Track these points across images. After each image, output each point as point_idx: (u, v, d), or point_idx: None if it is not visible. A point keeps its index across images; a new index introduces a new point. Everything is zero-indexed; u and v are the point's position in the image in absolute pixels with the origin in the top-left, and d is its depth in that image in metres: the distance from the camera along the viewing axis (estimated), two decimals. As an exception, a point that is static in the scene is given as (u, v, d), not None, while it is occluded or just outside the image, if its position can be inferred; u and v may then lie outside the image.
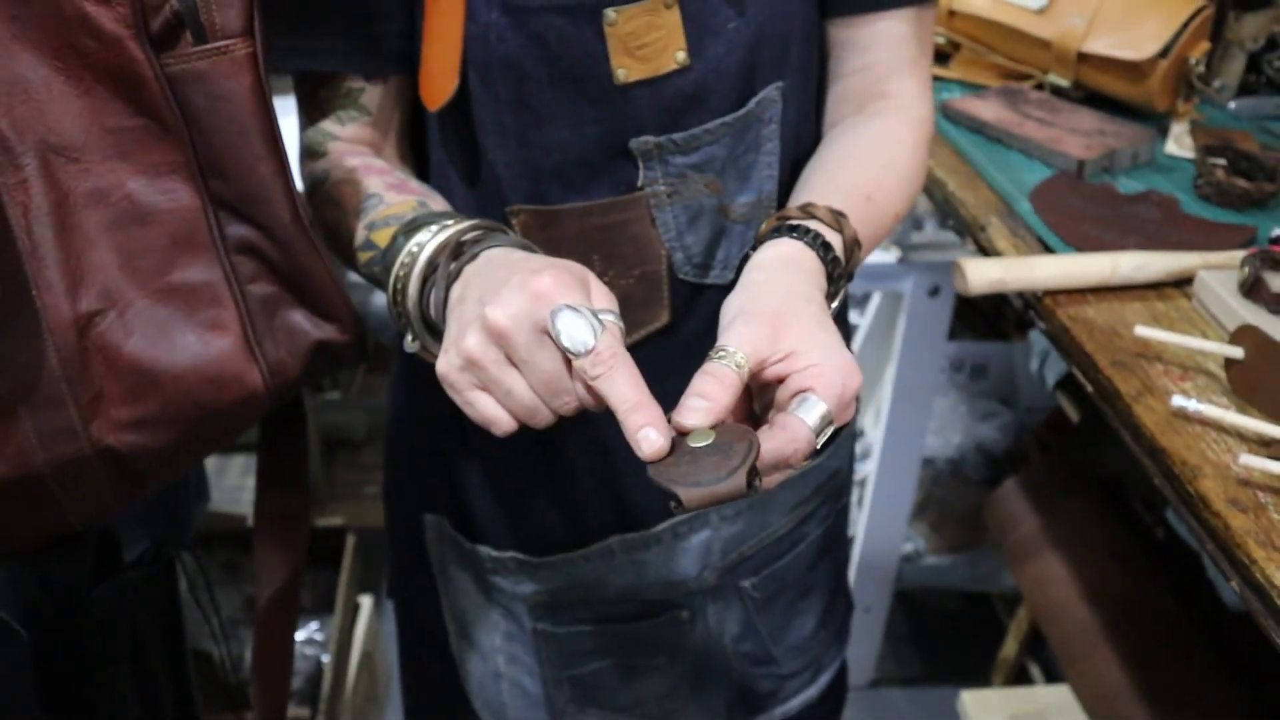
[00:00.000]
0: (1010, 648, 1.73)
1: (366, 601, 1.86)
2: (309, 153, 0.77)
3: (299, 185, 0.75)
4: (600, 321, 0.55)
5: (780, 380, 0.58)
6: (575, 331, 0.54)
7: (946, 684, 1.91)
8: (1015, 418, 1.87)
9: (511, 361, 0.57)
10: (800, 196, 0.72)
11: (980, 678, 1.84)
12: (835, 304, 0.67)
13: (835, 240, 0.67)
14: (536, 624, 0.94)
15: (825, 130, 0.83)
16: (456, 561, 0.95)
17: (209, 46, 0.59)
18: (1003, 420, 1.85)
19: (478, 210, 0.78)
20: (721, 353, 0.57)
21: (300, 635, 1.64)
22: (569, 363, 0.56)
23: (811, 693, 1.04)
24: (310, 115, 0.77)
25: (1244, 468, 0.69)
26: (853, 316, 1.96)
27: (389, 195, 0.72)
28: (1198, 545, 0.69)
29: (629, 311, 0.79)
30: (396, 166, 0.79)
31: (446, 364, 0.59)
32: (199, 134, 0.61)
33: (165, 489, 1.04)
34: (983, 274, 0.86)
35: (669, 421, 0.54)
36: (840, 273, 0.67)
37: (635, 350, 0.80)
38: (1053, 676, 1.68)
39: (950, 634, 2.04)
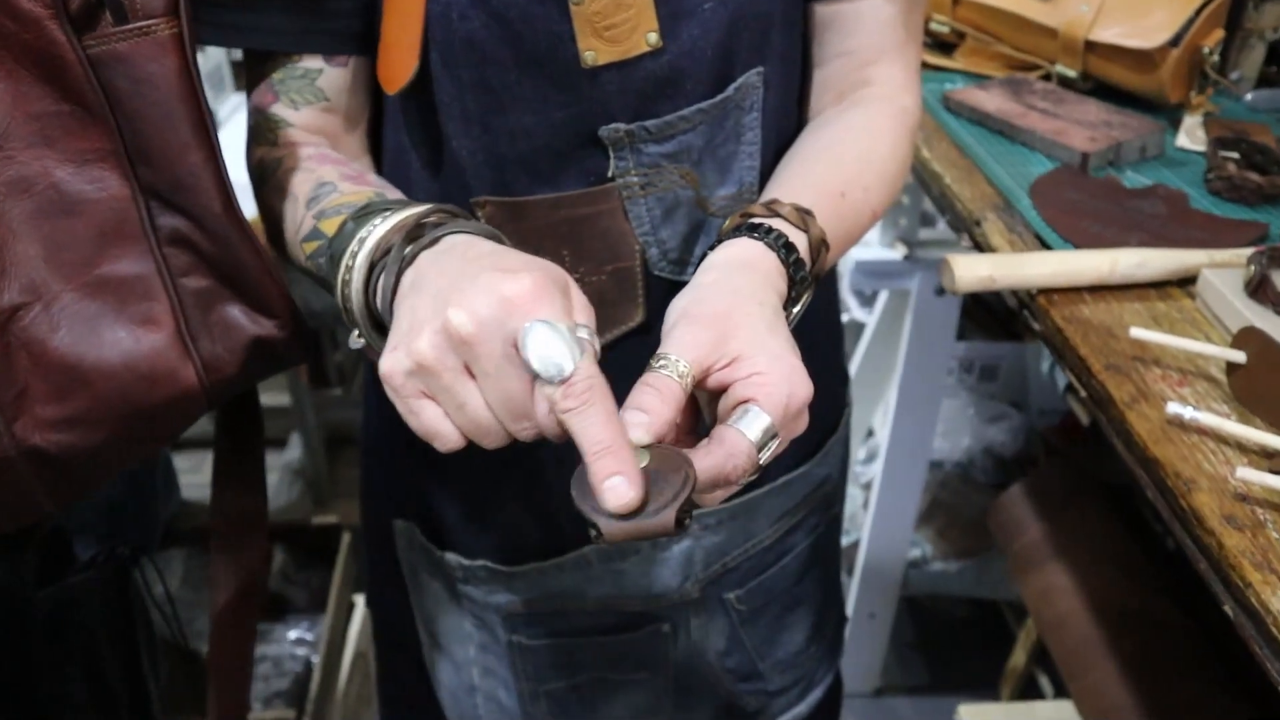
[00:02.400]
0: (1019, 658, 1.68)
1: (361, 601, 1.84)
2: (258, 138, 0.72)
3: (249, 172, 0.72)
4: (579, 343, 0.49)
5: (723, 389, 0.53)
6: (550, 354, 0.47)
7: (952, 693, 1.86)
8: (1026, 421, 1.81)
9: (470, 372, 0.50)
10: (769, 192, 0.68)
11: (987, 688, 1.79)
12: (798, 308, 0.63)
13: (800, 240, 0.62)
14: (511, 635, 0.90)
15: (808, 120, 0.79)
16: (427, 569, 0.92)
17: (130, 27, 0.55)
18: (1013, 423, 1.80)
19: (441, 202, 0.75)
20: (662, 361, 0.52)
21: (290, 635, 1.61)
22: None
23: (801, 709, 1.00)
24: (260, 98, 0.72)
25: (1241, 481, 0.64)
26: (859, 315, 1.91)
27: (344, 185, 0.67)
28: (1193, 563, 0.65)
29: (601, 310, 0.74)
30: (356, 159, 0.74)
31: (392, 363, 0.52)
32: (125, 119, 0.58)
33: (131, 487, 1.02)
34: (971, 271, 0.81)
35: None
36: (805, 275, 0.62)
37: (608, 351, 0.78)
38: (1062, 690, 1.63)
39: (957, 642, 2.00)
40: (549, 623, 0.90)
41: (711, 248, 0.63)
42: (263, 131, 0.72)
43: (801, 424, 0.53)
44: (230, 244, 0.61)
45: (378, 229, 0.59)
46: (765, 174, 0.75)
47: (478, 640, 0.92)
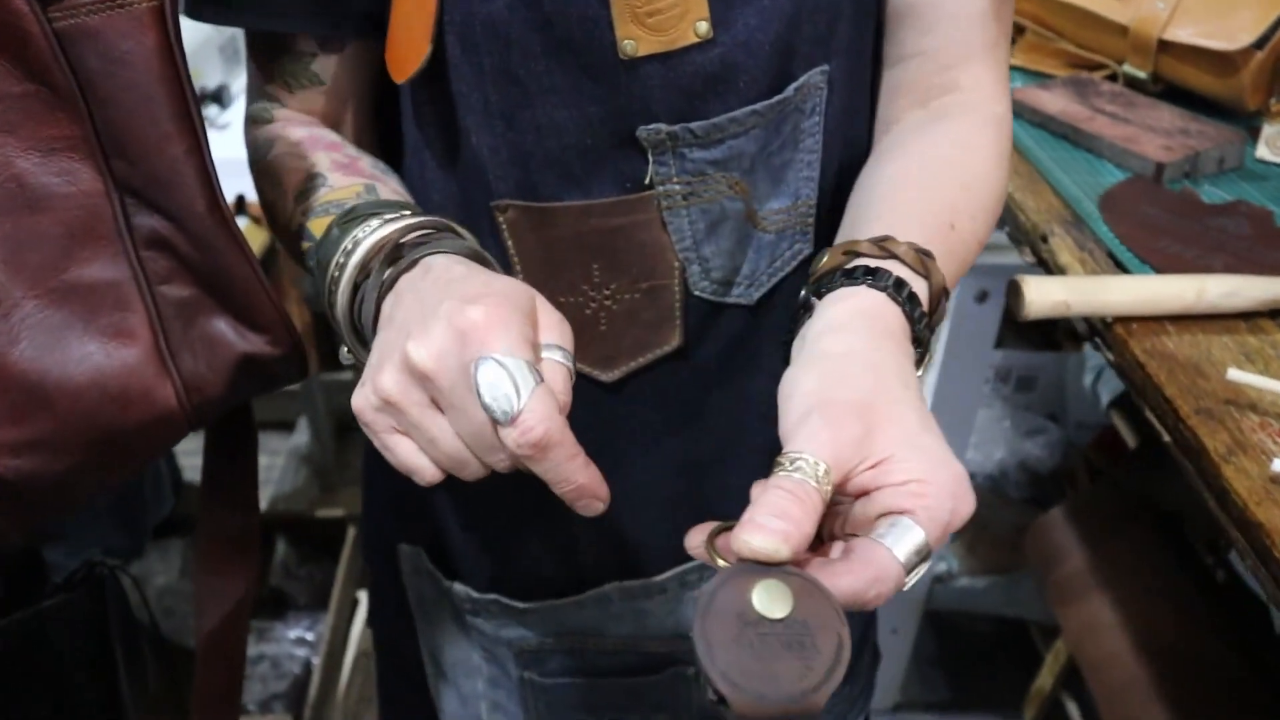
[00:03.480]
0: (1045, 680, 1.61)
1: (365, 596, 1.77)
2: (252, 120, 0.67)
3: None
4: (533, 375, 0.45)
5: (865, 493, 0.45)
6: (497, 394, 0.44)
7: (974, 712, 1.80)
8: (1063, 435, 1.73)
9: (437, 405, 0.48)
10: (867, 224, 0.57)
11: (1011, 709, 1.72)
12: (920, 372, 0.52)
13: (921, 290, 0.52)
14: (523, 672, 0.83)
15: (879, 128, 0.69)
16: (433, 597, 0.85)
17: None
18: (1050, 437, 1.72)
19: (460, 206, 0.67)
20: (797, 461, 0.43)
21: (290, 634, 1.55)
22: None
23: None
24: (259, 78, 0.67)
25: (1358, 552, 0.57)
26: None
27: (334, 177, 0.62)
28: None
29: (633, 331, 0.68)
30: (350, 143, 0.68)
31: (361, 400, 0.49)
32: (97, 105, 0.50)
33: (118, 495, 0.94)
34: (1045, 295, 0.73)
35: (720, 532, 0.44)
36: (923, 331, 0.52)
37: (643, 375, 0.70)
38: (1090, 715, 1.55)
39: (982, 660, 1.93)
40: (565, 660, 0.83)
41: (815, 293, 0.53)
42: (257, 114, 0.67)
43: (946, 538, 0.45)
44: (215, 249, 0.54)
45: (360, 246, 0.54)
46: (825, 188, 0.67)
47: (487, 674, 0.85)
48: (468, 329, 0.46)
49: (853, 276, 0.52)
